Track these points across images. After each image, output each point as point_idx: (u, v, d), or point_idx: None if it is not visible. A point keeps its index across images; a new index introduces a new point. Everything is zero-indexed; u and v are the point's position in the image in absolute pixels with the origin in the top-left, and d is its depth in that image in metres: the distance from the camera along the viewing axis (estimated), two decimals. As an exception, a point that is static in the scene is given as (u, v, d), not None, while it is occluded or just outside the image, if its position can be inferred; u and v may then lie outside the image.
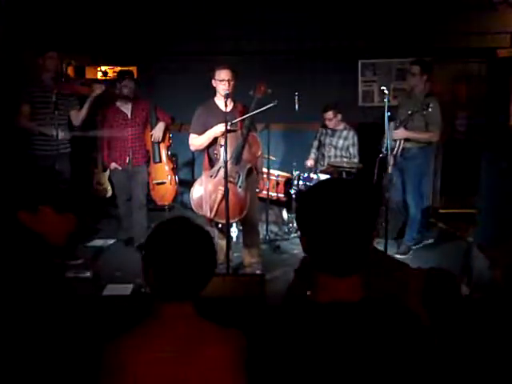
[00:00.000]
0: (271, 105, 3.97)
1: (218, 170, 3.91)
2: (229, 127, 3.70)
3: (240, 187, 3.92)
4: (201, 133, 4.00)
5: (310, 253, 1.23)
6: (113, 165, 4.92)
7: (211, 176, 3.95)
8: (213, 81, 3.98)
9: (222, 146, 3.78)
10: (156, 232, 1.50)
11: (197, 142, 4.04)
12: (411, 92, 4.79)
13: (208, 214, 3.91)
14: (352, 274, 1.20)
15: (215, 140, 3.96)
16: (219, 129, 3.84)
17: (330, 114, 5.51)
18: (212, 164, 4.05)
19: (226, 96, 3.75)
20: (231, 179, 3.85)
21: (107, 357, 1.40)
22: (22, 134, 4.50)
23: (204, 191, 3.95)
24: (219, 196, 3.85)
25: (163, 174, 5.13)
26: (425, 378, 1.17)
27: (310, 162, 5.71)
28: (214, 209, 3.89)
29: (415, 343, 1.17)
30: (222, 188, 3.79)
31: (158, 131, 4.95)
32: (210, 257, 1.51)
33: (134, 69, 5.88)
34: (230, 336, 1.45)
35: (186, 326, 1.44)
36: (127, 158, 4.85)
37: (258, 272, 4.12)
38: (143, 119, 4.97)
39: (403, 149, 4.64)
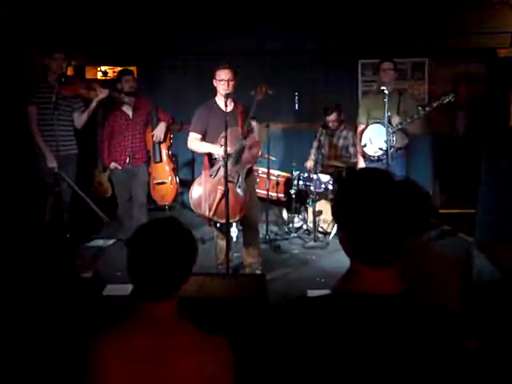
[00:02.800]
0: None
1: (218, 170, 3.92)
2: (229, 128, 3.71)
3: (239, 187, 3.92)
4: (201, 132, 4.01)
5: (346, 242, 1.20)
6: (113, 164, 4.93)
7: (211, 175, 3.96)
8: (213, 81, 3.98)
9: (221, 146, 3.78)
10: (137, 231, 1.51)
11: (194, 146, 4.06)
12: (381, 91, 4.51)
13: (206, 213, 3.92)
14: (389, 265, 1.17)
15: (215, 140, 3.96)
16: (217, 151, 3.86)
17: (333, 116, 5.53)
18: (212, 164, 4.05)
19: (227, 96, 3.75)
20: (230, 179, 3.85)
21: (86, 354, 1.40)
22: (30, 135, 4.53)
23: (203, 190, 3.96)
24: (218, 195, 3.87)
25: (164, 174, 5.13)
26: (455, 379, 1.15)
27: (309, 164, 5.69)
28: (213, 208, 3.89)
29: (449, 342, 1.15)
30: (222, 187, 3.80)
31: (159, 131, 4.95)
32: (186, 258, 1.50)
33: (133, 69, 5.88)
34: (211, 343, 1.42)
35: (162, 327, 1.42)
36: (127, 158, 4.86)
37: (258, 272, 4.12)
38: (144, 119, 4.98)
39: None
